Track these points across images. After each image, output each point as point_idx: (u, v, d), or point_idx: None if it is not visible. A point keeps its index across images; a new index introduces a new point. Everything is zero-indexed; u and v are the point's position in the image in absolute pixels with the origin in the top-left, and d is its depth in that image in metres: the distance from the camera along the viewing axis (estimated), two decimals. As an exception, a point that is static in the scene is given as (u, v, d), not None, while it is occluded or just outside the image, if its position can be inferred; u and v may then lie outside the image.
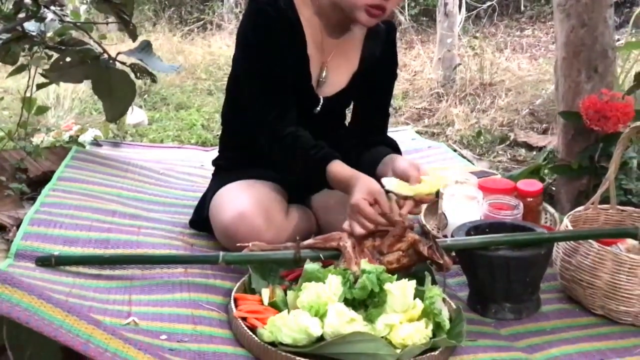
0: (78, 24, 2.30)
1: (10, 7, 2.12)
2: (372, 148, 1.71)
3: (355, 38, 1.71)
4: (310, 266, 1.35)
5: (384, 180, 1.50)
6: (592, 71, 1.92)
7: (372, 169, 1.62)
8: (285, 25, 1.57)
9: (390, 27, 1.75)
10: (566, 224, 1.59)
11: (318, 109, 1.68)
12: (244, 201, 1.58)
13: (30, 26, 2.14)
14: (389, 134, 1.83)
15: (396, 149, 1.74)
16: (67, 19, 2.25)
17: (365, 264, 1.36)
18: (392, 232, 1.45)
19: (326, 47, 1.66)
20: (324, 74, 1.67)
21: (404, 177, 1.50)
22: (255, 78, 1.59)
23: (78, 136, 2.58)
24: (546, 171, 2.20)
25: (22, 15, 2.08)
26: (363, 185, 1.45)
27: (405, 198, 1.47)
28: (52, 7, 2.12)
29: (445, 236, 1.68)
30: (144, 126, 3.39)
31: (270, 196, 1.64)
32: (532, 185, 1.87)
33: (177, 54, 5.04)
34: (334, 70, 1.68)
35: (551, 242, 1.54)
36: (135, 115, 3.34)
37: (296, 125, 1.57)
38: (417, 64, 4.70)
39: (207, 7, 6.56)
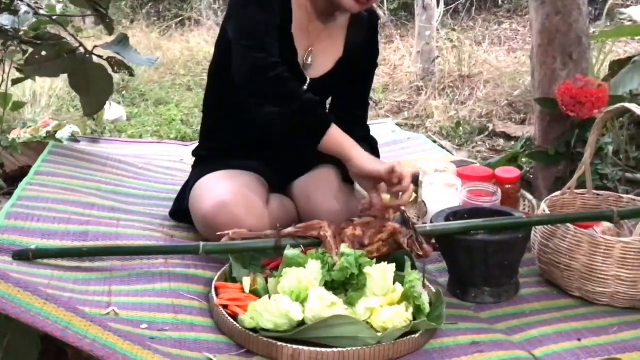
0: (54, 17, 2.27)
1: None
2: None
3: (340, 25, 1.72)
4: (290, 252, 1.35)
5: None
6: (568, 58, 1.94)
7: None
8: None
9: (372, 15, 1.77)
10: (543, 209, 1.61)
11: (305, 87, 1.68)
12: (224, 190, 1.57)
13: (4, 20, 2.11)
14: (370, 127, 1.85)
15: (374, 149, 1.76)
16: (42, 12, 2.22)
17: (345, 247, 1.36)
18: (373, 224, 1.46)
19: (312, 32, 1.67)
20: (310, 59, 1.68)
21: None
22: (244, 21, 1.56)
23: (55, 132, 2.54)
24: (524, 159, 2.22)
25: (-5, 8, 2.05)
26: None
27: None
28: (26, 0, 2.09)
29: (425, 223, 1.69)
30: (122, 122, 3.36)
31: (251, 185, 1.63)
32: (510, 172, 1.89)
33: (155, 50, 5.00)
34: (319, 54, 1.70)
35: (529, 226, 1.55)
36: (114, 111, 3.32)
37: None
38: (396, 58, 4.72)
39: (186, 3, 6.52)
